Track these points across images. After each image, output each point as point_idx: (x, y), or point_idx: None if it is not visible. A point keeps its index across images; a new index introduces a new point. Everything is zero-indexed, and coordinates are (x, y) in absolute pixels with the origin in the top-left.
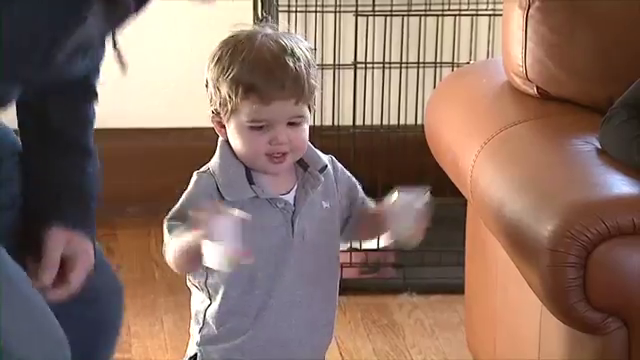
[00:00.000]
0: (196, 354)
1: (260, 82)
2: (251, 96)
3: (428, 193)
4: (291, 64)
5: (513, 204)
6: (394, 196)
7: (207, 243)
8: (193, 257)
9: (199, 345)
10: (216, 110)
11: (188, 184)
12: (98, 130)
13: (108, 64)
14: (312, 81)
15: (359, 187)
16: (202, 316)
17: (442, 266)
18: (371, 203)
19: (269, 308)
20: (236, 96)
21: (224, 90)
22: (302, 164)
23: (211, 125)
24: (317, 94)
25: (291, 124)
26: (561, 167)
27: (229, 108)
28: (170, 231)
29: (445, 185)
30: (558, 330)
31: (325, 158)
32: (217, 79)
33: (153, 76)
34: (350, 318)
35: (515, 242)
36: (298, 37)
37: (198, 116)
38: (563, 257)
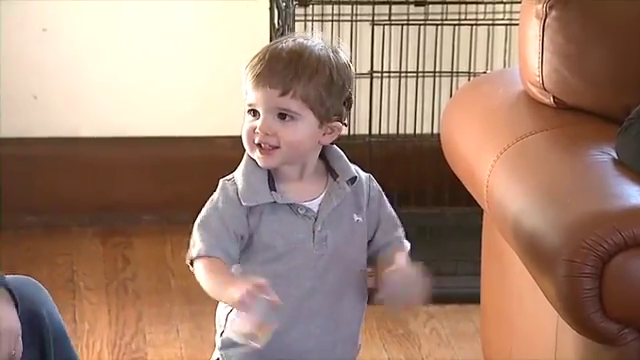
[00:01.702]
0: (218, 359)
1: (255, 64)
2: (247, 78)
3: (423, 272)
4: (286, 56)
5: (529, 214)
6: (394, 268)
7: (236, 314)
8: (215, 294)
9: (220, 349)
10: None
11: (204, 192)
12: (114, 139)
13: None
14: (319, 88)
15: (390, 212)
16: (224, 320)
17: (458, 275)
18: (401, 245)
19: (290, 316)
20: (245, 79)
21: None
22: (333, 174)
23: (225, 134)
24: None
25: (281, 116)
26: (577, 177)
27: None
28: (200, 240)
29: (461, 194)
30: (574, 341)
31: (363, 175)
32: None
33: (169, 85)
34: (366, 327)
35: (531, 252)
36: (339, 51)
37: (213, 124)
38: (579, 267)
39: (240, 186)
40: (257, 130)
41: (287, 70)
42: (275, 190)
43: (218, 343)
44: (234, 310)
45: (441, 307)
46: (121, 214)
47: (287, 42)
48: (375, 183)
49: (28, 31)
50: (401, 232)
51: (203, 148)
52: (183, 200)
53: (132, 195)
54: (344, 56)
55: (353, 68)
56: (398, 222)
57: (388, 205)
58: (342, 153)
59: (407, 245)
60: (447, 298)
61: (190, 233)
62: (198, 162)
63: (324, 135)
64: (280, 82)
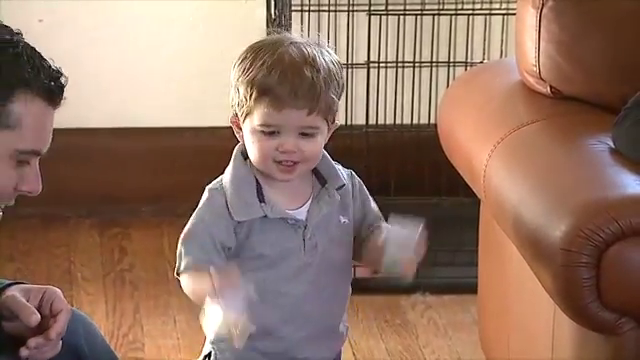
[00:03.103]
0: (210, 352)
1: (274, 86)
2: (264, 100)
3: (422, 226)
4: (308, 73)
5: (526, 204)
6: (388, 228)
7: (211, 306)
8: (201, 301)
9: (213, 343)
10: (235, 111)
11: (203, 184)
12: (113, 130)
13: (121, 65)
14: (331, 95)
15: (374, 206)
16: None
17: (455, 266)
18: (382, 228)
19: (281, 318)
20: (251, 97)
21: (242, 91)
22: (320, 179)
23: (225, 125)
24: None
25: (303, 134)
26: (574, 167)
27: (244, 110)
28: (186, 254)
29: (458, 184)
30: (571, 330)
31: (345, 174)
32: (237, 79)
33: (168, 76)
34: (363, 318)
35: (528, 242)
36: (327, 48)
37: (213, 115)
38: (576, 257)
39: (230, 198)
40: (281, 150)
41: (313, 89)
42: (264, 201)
43: (211, 337)
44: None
45: (438, 297)
46: (119, 205)
47: (288, 50)
48: (357, 179)
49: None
50: (383, 223)
51: (202, 139)
52: (181, 192)
53: (130, 186)
54: (330, 50)
55: (347, 58)
56: (380, 214)
57: (370, 199)
58: (327, 155)
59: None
60: (444, 288)
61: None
62: (197, 153)
63: (327, 137)
64: (308, 102)
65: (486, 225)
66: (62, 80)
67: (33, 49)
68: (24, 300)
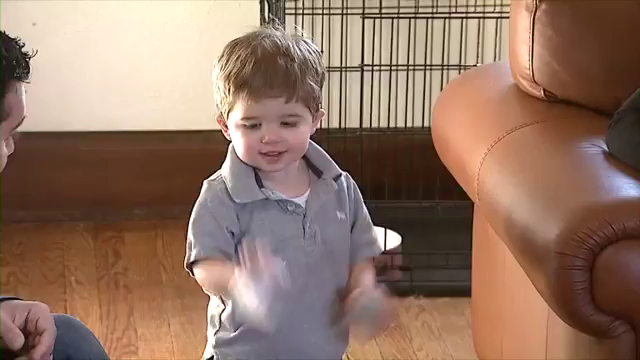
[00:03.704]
0: (213, 356)
1: (250, 79)
2: (242, 93)
3: (386, 299)
4: (282, 62)
5: (520, 207)
6: (358, 291)
7: (241, 288)
8: (220, 292)
9: (215, 347)
10: (220, 110)
11: (196, 187)
12: (106, 133)
13: (114, 68)
14: (309, 81)
15: (365, 213)
16: (218, 319)
17: (449, 269)
18: (369, 265)
19: (284, 313)
20: (229, 92)
21: (221, 87)
22: (316, 172)
23: (219, 128)
24: (323, 96)
25: (285, 124)
26: (568, 170)
27: (226, 106)
28: (195, 244)
29: (452, 188)
30: (565, 333)
31: (340, 171)
32: (217, 77)
33: (160, 78)
34: None
35: (522, 245)
36: (304, 39)
37: (205, 119)
38: (570, 260)
39: (230, 184)
40: (264, 141)
41: (287, 77)
42: (263, 186)
43: (212, 341)
44: (226, 309)
45: (432, 300)
46: (112, 208)
47: (261, 42)
48: (352, 181)
49: (18, 25)
50: (374, 233)
51: (196, 142)
52: (175, 195)
53: (123, 189)
54: (308, 41)
55: (341, 61)
56: (371, 223)
57: (364, 205)
58: (319, 148)
59: (379, 248)
60: (438, 291)
61: (182, 228)
62: (190, 156)
63: (313, 126)
64: (284, 90)
65: (480, 228)
66: (29, 53)
67: (6, 36)
68: (9, 321)
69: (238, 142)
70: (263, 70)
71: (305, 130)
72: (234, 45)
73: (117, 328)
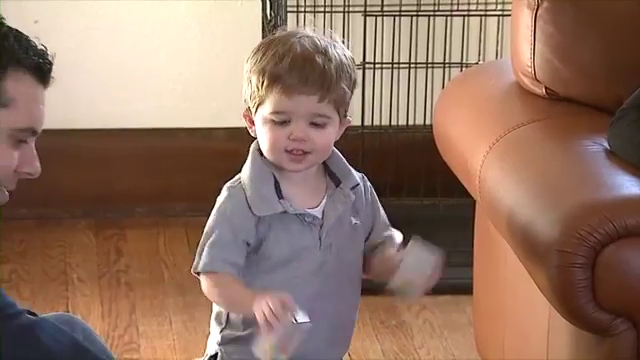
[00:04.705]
0: (216, 353)
1: (284, 73)
2: (275, 87)
3: (439, 256)
4: (319, 61)
5: (521, 205)
6: (410, 247)
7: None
8: (230, 308)
9: (220, 345)
10: (248, 105)
11: (198, 184)
12: (108, 131)
13: (116, 66)
14: (343, 85)
15: (382, 213)
16: (225, 317)
17: (450, 266)
18: (393, 241)
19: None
20: (262, 86)
21: (254, 81)
22: (334, 179)
23: (220, 126)
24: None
25: (314, 124)
26: (570, 168)
27: (256, 100)
28: (207, 253)
29: (453, 185)
30: (567, 331)
31: (356, 174)
32: (249, 70)
33: (163, 77)
34: (358, 318)
35: (523, 243)
36: (341, 45)
37: (207, 116)
38: (571, 258)
39: (249, 193)
40: (292, 137)
41: (323, 76)
42: (282, 197)
43: (217, 338)
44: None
45: (433, 298)
46: (114, 206)
47: (300, 40)
48: (369, 183)
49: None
50: (391, 231)
51: (198, 140)
52: (177, 192)
53: (126, 187)
54: (343, 46)
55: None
56: (388, 222)
57: (380, 207)
58: (340, 155)
59: (399, 242)
60: (440, 289)
61: (184, 225)
62: (193, 154)
63: (339, 131)
64: (318, 89)
65: (481, 226)
66: (50, 58)
67: (18, 30)
68: None
69: (264, 137)
70: (300, 67)
71: (332, 133)
72: (271, 41)
73: (119, 325)
